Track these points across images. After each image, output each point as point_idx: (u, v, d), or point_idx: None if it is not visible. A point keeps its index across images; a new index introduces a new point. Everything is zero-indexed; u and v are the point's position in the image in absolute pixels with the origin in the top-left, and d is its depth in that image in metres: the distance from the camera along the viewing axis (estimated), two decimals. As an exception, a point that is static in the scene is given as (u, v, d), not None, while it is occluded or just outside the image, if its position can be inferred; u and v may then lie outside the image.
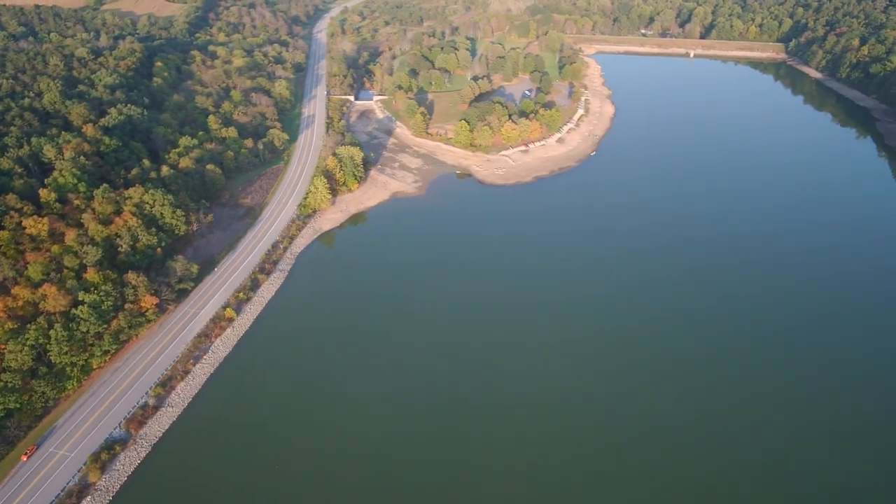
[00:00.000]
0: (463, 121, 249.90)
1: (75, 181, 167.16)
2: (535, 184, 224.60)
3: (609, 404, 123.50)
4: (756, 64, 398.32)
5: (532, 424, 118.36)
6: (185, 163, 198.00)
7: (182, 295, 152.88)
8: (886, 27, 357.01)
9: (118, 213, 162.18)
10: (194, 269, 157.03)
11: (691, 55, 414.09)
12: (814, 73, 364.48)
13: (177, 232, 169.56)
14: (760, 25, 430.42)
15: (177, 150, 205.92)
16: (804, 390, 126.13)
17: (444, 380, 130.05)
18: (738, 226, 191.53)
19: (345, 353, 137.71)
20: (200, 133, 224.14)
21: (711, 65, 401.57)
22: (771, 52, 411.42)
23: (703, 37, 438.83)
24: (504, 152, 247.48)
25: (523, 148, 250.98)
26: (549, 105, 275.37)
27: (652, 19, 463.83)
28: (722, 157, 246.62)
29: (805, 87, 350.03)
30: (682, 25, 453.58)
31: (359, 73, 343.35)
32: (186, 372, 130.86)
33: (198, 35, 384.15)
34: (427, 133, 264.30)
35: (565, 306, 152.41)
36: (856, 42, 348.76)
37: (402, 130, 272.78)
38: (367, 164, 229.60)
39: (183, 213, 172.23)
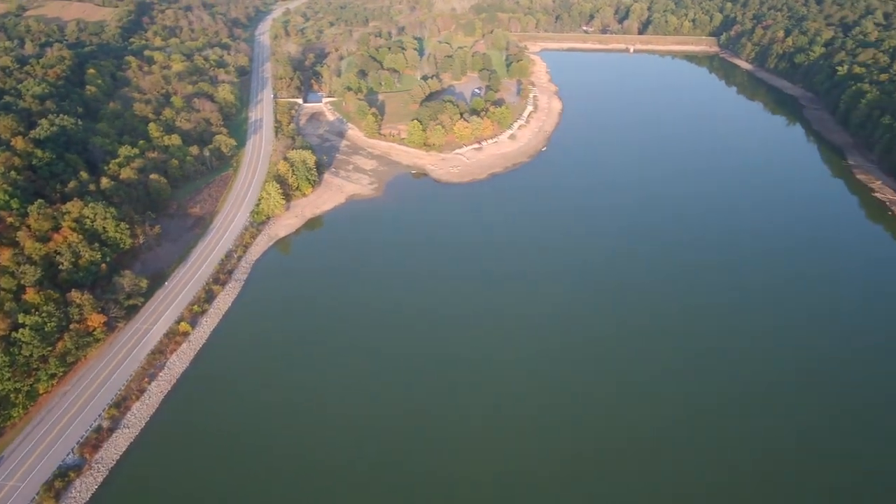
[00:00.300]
0: (415, 120, 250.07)
1: (7, 197, 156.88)
2: (490, 180, 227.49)
3: (578, 412, 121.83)
4: (691, 57, 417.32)
5: (505, 428, 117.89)
6: (126, 173, 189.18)
7: (132, 311, 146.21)
8: (808, 19, 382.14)
9: (56, 229, 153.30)
10: (143, 283, 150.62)
11: (631, 50, 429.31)
12: (744, 65, 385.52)
13: (122, 246, 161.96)
14: (693, 20, 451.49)
15: (116, 160, 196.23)
16: (778, 390, 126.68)
17: (413, 384, 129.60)
18: (688, 211, 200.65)
19: (307, 362, 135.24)
20: (141, 142, 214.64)
21: (650, 59, 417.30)
22: (704, 45, 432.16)
23: (640, 32, 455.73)
24: (458, 150, 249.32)
25: (477, 146, 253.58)
26: (498, 102, 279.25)
27: (592, 16, 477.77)
28: (666, 148, 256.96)
29: (737, 78, 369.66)
30: (620, 21, 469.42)
31: (306, 75, 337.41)
32: (141, 391, 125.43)
33: (132, 40, 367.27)
34: (380, 134, 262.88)
35: (534, 306, 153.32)
36: (781, 34, 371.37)
37: (354, 132, 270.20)
38: (321, 168, 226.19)
39: (127, 226, 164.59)
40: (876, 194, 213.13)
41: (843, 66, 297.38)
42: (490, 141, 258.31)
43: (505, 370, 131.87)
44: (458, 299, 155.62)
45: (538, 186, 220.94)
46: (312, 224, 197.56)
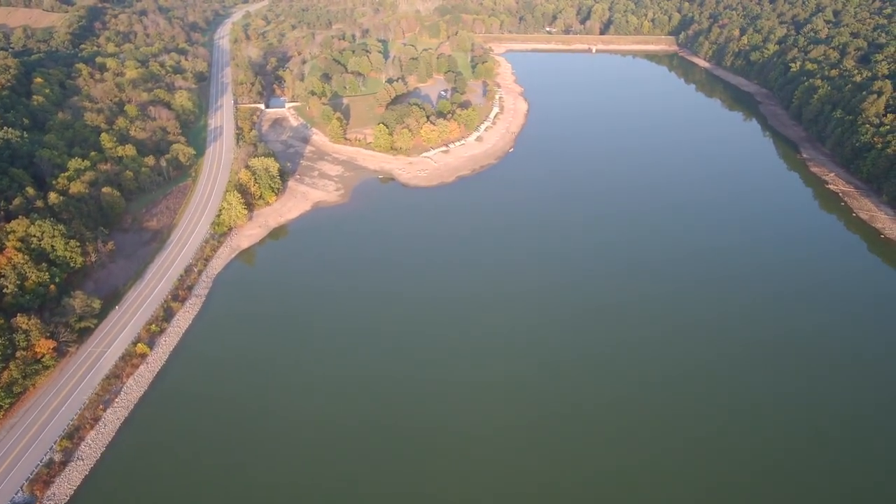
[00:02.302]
0: (381, 124, 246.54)
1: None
2: (458, 183, 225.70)
3: (552, 425, 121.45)
4: (652, 56, 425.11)
5: (479, 434, 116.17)
6: (76, 187, 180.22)
7: (84, 334, 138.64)
8: (762, 17, 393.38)
9: (0, 249, 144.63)
10: (96, 303, 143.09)
11: (593, 50, 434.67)
12: (702, 63, 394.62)
13: (72, 265, 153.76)
14: (653, 20, 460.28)
15: (66, 174, 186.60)
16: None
17: (387, 392, 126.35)
18: (649, 206, 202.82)
19: (274, 379, 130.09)
20: (93, 153, 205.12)
21: (612, 58, 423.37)
22: (664, 44, 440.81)
23: (602, 32, 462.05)
24: (425, 154, 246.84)
25: (444, 148, 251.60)
26: (465, 104, 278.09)
27: (555, 17, 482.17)
28: (628, 146, 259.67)
29: (696, 76, 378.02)
30: (583, 22, 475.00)
31: (268, 79, 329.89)
32: (96, 419, 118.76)
33: (83, 46, 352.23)
34: (345, 139, 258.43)
35: (506, 308, 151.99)
36: (736, 32, 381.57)
37: (318, 137, 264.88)
38: (285, 175, 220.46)
39: (78, 244, 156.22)
40: (829, 186, 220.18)
41: (795, 63, 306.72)
42: (457, 143, 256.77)
43: (482, 373, 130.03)
44: (429, 304, 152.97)
45: (506, 188, 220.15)
46: (277, 233, 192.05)
